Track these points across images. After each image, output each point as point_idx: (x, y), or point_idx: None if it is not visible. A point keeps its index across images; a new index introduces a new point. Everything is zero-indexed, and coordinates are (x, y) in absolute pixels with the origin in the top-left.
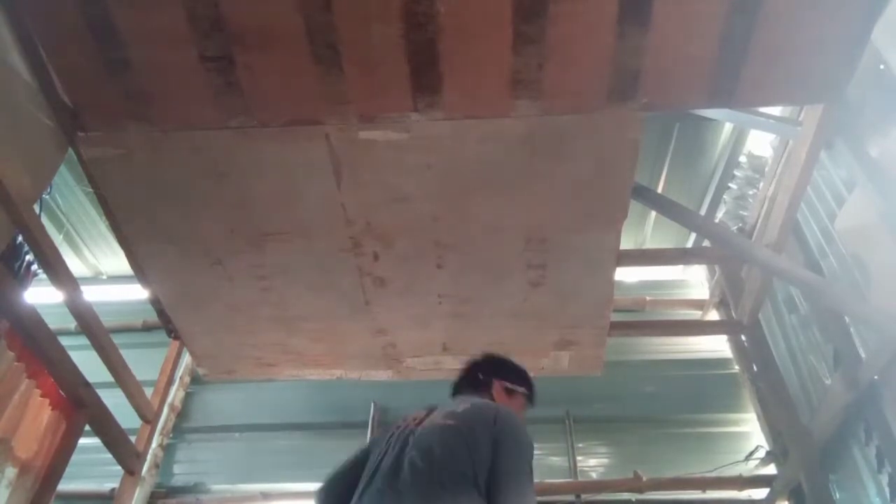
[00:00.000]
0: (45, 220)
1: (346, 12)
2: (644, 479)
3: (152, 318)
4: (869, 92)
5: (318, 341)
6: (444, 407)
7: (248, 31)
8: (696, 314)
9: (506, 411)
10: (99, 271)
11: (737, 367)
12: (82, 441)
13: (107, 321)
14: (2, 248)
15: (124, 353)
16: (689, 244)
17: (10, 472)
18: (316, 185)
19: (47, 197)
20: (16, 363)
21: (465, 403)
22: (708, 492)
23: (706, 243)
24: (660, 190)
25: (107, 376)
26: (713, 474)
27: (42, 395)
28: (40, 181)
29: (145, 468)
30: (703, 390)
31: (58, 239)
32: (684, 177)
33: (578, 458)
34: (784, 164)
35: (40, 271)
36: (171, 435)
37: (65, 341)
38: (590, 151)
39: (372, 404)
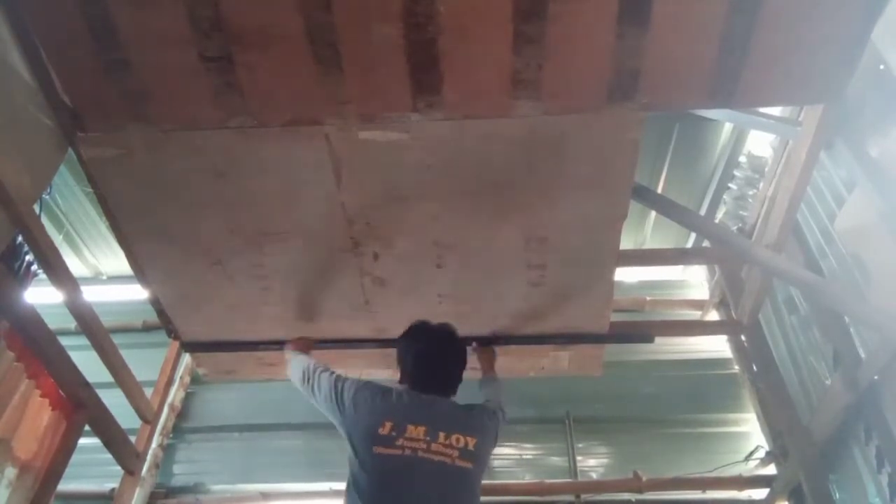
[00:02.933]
0: (45, 220)
1: (346, 12)
2: (644, 479)
3: (152, 318)
4: (869, 92)
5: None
6: (443, 420)
7: (248, 31)
8: (696, 314)
9: (484, 410)
10: (99, 271)
11: (737, 367)
12: (82, 441)
13: (107, 321)
14: (2, 249)
15: (124, 353)
16: (689, 244)
17: (10, 472)
18: (316, 185)
19: (47, 197)
20: (16, 363)
21: (465, 424)
22: (708, 492)
23: (706, 243)
24: (660, 190)
25: (107, 376)
26: (713, 474)
27: (42, 396)
28: (40, 181)
29: (145, 468)
30: (702, 390)
31: (58, 239)
32: (684, 177)
33: (578, 458)
34: (784, 164)
35: (40, 271)
36: (170, 435)
37: (65, 341)
38: (590, 151)
39: None
